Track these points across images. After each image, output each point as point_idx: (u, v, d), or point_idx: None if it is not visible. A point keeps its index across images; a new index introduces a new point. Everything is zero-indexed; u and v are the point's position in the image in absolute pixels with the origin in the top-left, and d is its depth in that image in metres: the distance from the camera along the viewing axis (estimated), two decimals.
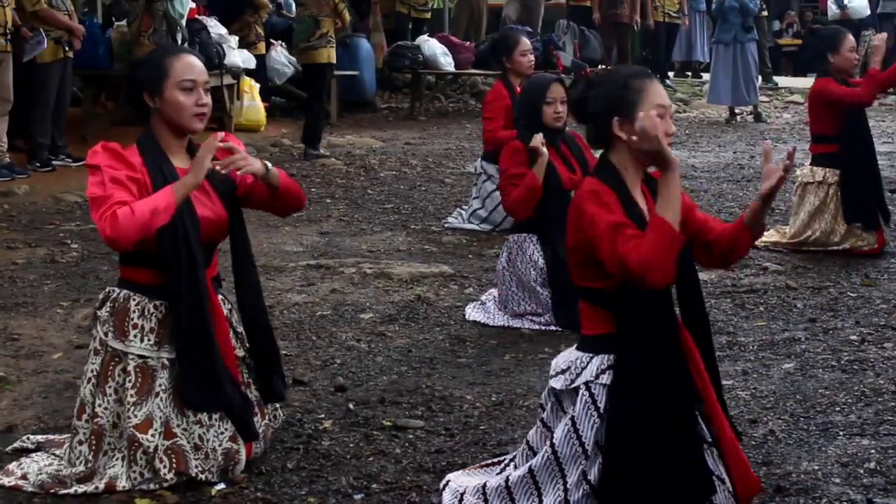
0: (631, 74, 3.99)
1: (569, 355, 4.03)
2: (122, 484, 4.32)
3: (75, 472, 4.40)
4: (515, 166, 6.54)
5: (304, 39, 12.93)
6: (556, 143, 6.64)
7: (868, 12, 19.01)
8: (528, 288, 6.55)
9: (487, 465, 4.43)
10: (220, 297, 4.62)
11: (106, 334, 4.43)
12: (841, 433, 4.92)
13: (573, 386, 3.92)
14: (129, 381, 4.38)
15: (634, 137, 3.85)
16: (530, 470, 3.98)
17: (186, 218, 4.39)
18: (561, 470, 3.91)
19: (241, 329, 4.68)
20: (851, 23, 19.92)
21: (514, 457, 4.20)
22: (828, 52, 8.19)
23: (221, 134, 4.49)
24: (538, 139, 6.47)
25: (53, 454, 4.59)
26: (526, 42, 9.20)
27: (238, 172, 4.45)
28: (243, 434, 4.48)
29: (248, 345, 4.67)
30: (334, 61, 13.17)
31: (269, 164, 4.54)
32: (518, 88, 8.56)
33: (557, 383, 3.99)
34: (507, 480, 4.04)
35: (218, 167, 4.38)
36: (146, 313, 4.43)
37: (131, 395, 4.36)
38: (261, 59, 15.31)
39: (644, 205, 3.95)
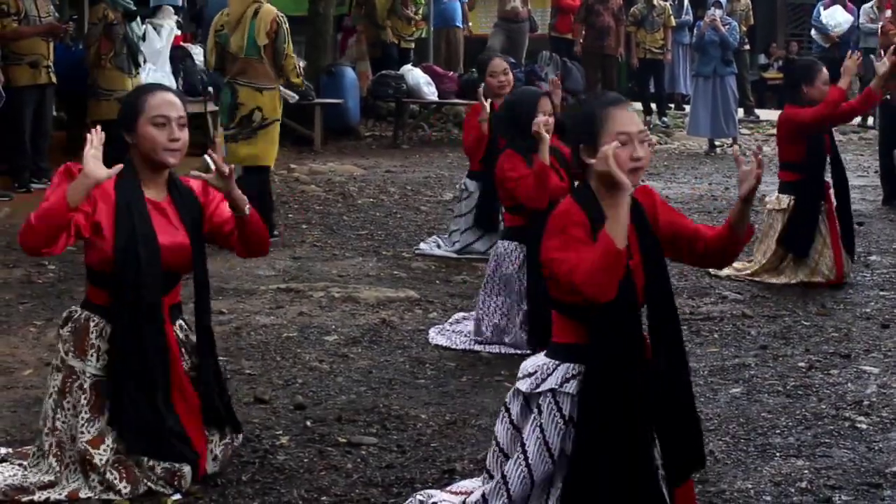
0: (599, 103, 4.11)
1: (537, 360, 4.19)
2: (85, 493, 4.49)
3: (41, 479, 4.56)
4: (517, 170, 6.62)
5: None
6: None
7: (850, 21, 19.55)
8: (512, 296, 6.71)
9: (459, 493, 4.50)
10: (179, 323, 4.80)
11: (66, 352, 4.62)
12: (778, 454, 5.11)
13: (538, 390, 4.09)
14: (85, 398, 4.56)
15: (593, 161, 4.01)
16: (503, 476, 4.11)
17: (142, 244, 4.54)
18: (531, 478, 4.07)
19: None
20: (835, 59, 20.20)
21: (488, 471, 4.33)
22: (802, 83, 8.40)
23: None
24: (540, 121, 6.53)
25: (19, 464, 4.74)
26: (495, 64, 9.31)
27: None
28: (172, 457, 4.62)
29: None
30: None
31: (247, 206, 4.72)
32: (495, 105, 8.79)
33: (523, 385, 4.14)
34: (483, 494, 4.20)
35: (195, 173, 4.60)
36: (103, 335, 4.61)
37: (85, 412, 4.55)
38: None
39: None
